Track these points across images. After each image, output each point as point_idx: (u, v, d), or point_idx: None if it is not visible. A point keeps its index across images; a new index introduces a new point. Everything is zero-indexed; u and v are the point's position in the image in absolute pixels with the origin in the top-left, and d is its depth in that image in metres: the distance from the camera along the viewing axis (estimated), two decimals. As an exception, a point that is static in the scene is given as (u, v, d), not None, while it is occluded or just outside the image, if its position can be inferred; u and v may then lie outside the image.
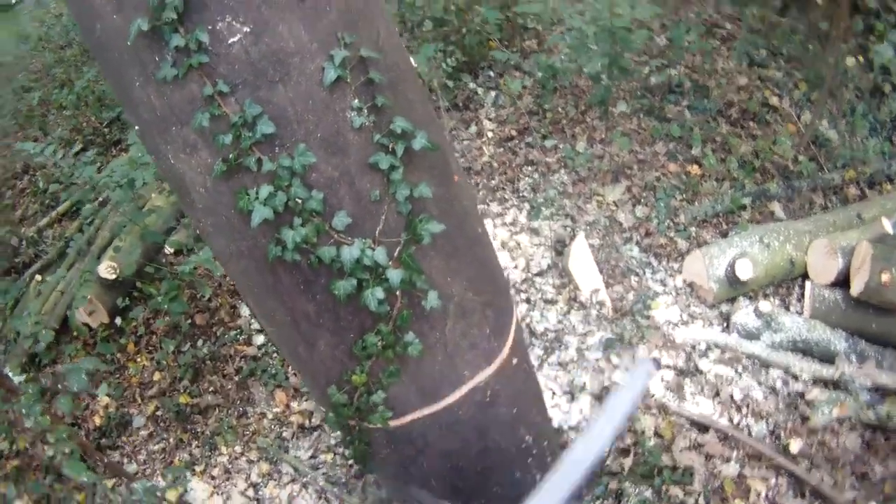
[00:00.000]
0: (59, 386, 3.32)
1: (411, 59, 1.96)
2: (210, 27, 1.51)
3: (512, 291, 4.12)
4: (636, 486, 3.31)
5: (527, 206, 4.60)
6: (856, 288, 3.74)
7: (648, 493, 3.27)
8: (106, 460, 3.64)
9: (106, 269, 4.37)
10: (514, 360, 2.29)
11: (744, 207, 4.44)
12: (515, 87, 4.98)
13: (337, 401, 2.06)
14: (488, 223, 4.53)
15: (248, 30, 1.53)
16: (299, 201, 1.67)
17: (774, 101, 5.14)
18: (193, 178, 1.74)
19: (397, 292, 1.85)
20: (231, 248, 1.85)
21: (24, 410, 3.06)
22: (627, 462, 3.36)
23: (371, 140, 1.69)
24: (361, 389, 2.00)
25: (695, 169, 4.70)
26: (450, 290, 1.97)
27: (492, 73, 5.66)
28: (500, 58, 5.35)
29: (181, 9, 1.48)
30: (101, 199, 5.18)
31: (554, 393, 3.66)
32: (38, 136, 6.59)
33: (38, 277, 4.96)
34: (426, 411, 2.13)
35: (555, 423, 3.56)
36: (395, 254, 1.80)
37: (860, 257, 3.78)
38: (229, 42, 1.53)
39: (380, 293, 1.76)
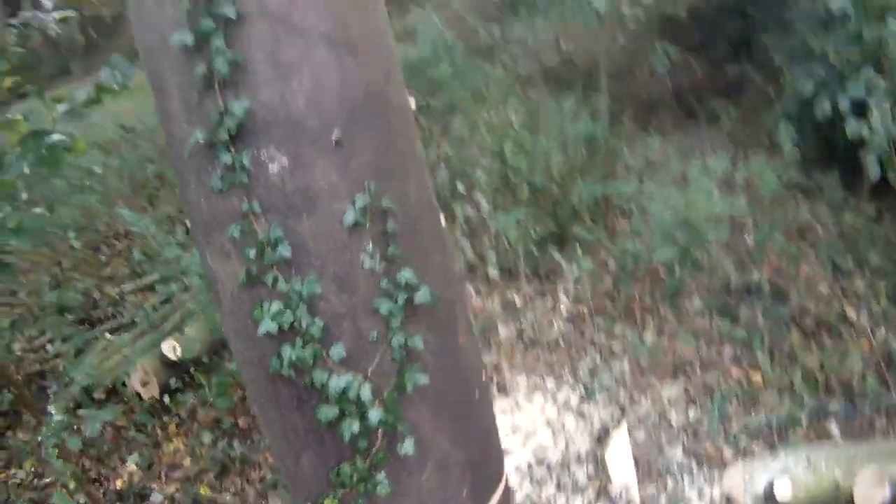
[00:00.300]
0: (76, 427, 3.73)
1: (441, 218, 2.19)
2: (255, 153, 1.76)
3: (542, 472, 4.25)
4: None
5: (581, 388, 4.75)
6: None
7: None
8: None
9: (168, 348, 4.79)
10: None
11: (799, 422, 4.42)
12: (586, 267, 5.19)
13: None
14: (539, 397, 4.70)
15: (287, 162, 1.77)
16: (303, 324, 1.86)
17: (851, 313, 5.11)
18: (224, 282, 1.97)
19: (379, 431, 1.99)
20: (245, 353, 2.06)
21: (41, 439, 3.49)
22: None
23: (378, 284, 1.87)
24: (332, 517, 2.13)
25: (757, 376, 4.73)
26: (431, 443, 2.10)
27: (579, 249, 5.90)
28: (582, 236, 5.61)
29: (233, 131, 1.73)
30: (184, 281, 5.61)
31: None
32: (146, 207, 7.24)
33: (108, 336, 5.43)
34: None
35: None
36: (383, 395, 1.95)
37: (907, 493, 3.70)
38: (269, 169, 1.78)
39: (356, 427, 1.91)
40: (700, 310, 5.24)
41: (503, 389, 4.82)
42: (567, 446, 4.39)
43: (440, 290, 2.00)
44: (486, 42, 10.31)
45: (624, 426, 4.35)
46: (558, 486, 4.18)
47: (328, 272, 1.86)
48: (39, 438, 3.85)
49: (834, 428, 4.41)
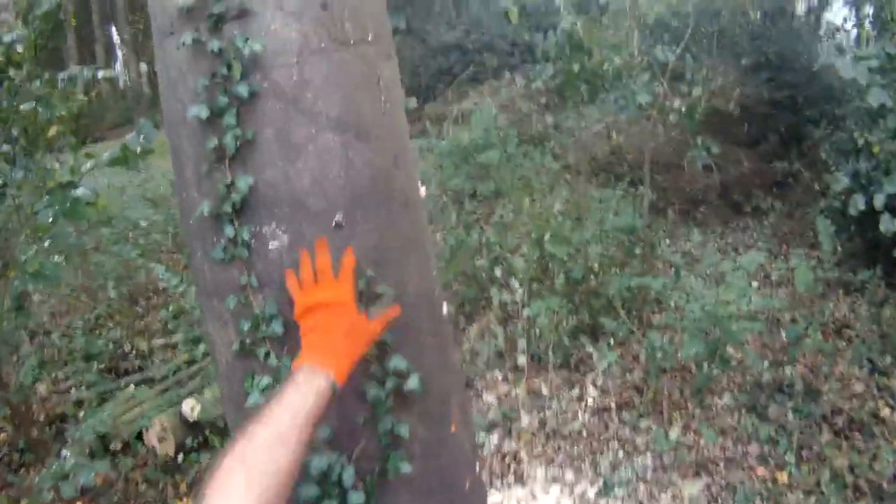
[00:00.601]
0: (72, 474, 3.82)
1: (444, 306, 2.13)
2: (257, 228, 1.77)
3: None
4: None
5: (601, 482, 4.69)
6: None
7: None
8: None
9: (188, 408, 4.88)
10: None
11: (825, 526, 4.28)
12: (612, 359, 5.17)
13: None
14: (556, 489, 4.65)
15: (287, 240, 1.76)
16: None
17: (886, 412, 4.96)
18: (220, 349, 1.96)
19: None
20: (235, 420, 2.02)
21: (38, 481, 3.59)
22: None
23: (369, 369, 1.81)
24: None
25: (783, 477, 4.60)
26: None
27: (612, 341, 5.89)
28: (610, 327, 5.60)
29: (238, 205, 1.75)
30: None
31: None
32: (186, 265, 7.35)
33: (132, 388, 5.54)
34: None
35: None
36: (365, 479, 1.90)
37: None
38: (269, 245, 1.77)
39: None
40: (729, 406, 5.15)
41: (520, 479, 4.78)
42: (581, 543, 4.33)
43: (433, 380, 1.98)
44: (537, 130, 10.52)
45: (641, 525, 4.28)
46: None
47: None
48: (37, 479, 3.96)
49: (861, 533, 4.26)
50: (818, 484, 4.52)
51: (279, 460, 1.24)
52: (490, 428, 5.24)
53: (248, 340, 1.85)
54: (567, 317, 5.70)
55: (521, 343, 5.72)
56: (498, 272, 6.34)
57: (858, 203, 5.72)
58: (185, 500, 4.74)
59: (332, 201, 1.81)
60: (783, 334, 5.78)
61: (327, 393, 1.43)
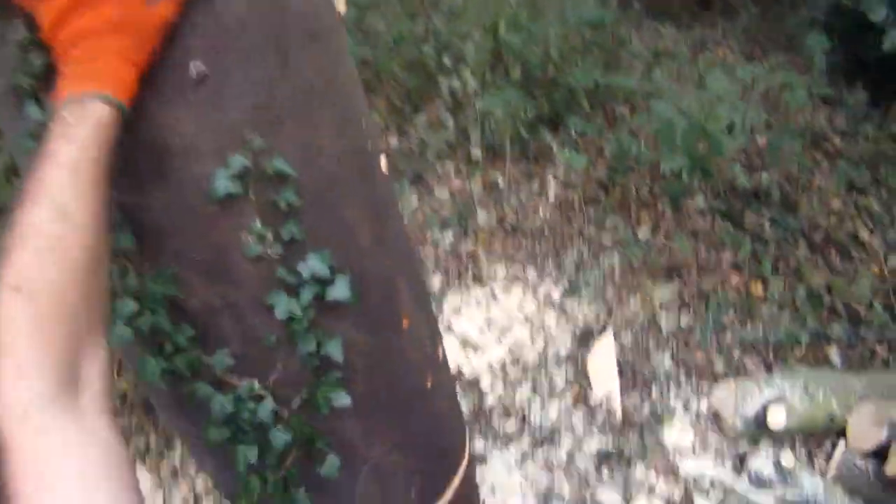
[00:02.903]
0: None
1: (384, 161, 1.48)
2: None
3: (517, 373, 3.83)
4: None
5: (566, 282, 4.29)
6: (892, 468, 3.31)
7: None
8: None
9: None
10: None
11: (798, 343, 4.03)
12: (578, 164, 4.65)
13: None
14: (518, 289, 4.24)
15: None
16: (165, 329, 1.29)
17: (865, 235, 4.69)
18: None
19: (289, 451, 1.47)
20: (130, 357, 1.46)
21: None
22: None
23: (272, 273, 1.26)
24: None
25: (757, 288, 4.31)
26: (365, 454, 1.57)
27: (574, 133, 5.36)
28: (574, 125, 5.05)
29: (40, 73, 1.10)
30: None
31: (526, 497, 3.35)
32: None
33: None
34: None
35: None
36: (290, 412, 1.41)
37: (906, 438, 3.36)
38: None
39: (253, 455, 1.38)
40: (702, 209, 4.77)
41: (479, 279, 4.34)
42: (546, 346, 3.96)
43: (371, 271, 1.41)
44: None
45: (609, 330, 3.92)
46: (534, 390, 3.77)
47: (190, 258, 1.25)
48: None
49: (834, 354, 4.04)
50: (793, 300, 4.25)
51: (64, 246, 0.88)
52: (444, 226, 4.73)
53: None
54: (526, 108, 5.09)
55: (475, 135, 5.13)
56: (447, 60, 5.62)
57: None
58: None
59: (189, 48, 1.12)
60: (758, 139, 5.37)
61: (111, 119, 0.97)
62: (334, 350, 1.33)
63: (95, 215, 0.93)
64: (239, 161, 1.16)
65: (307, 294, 1.27)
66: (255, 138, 1.17)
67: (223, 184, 1.16)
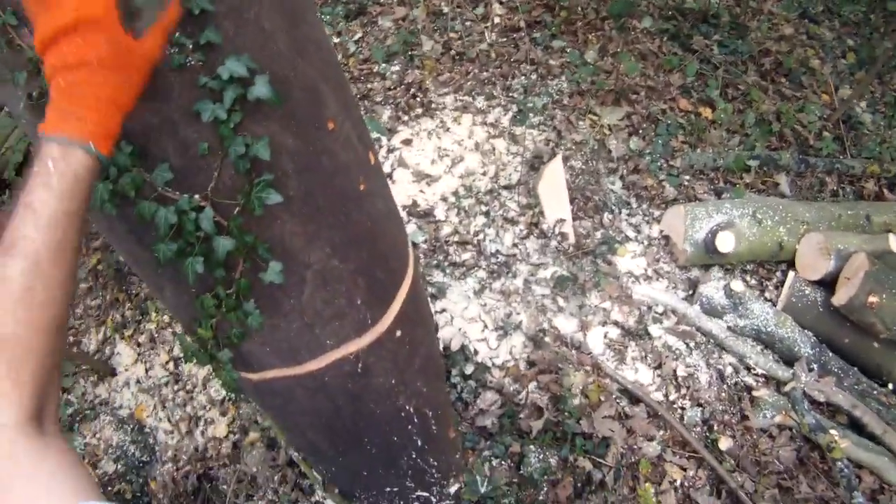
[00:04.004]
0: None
1: None
2: None
3: (470, 202, 3.67)
4: (541, 452, 2.96)
5: (514, 108, 4.08)
6: (839, 298, 3.33)
7: (553, 461, 2.92)
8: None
9: None
10: (398, 333, 1.93)
11: (747, 170, 3.96)
12: None
13: (188, 347, 1.75)
14: (468, 118, 4.02)
15: None
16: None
17: (815, 63, 4.59)
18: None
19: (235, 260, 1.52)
20: None
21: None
22: (538, 424, 2.99)
23: (196, 83, 1.24)
24: (210, 342, 1.70)
25: (707, 112, 4.19)
26: (307, 258, 1.59)
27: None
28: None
29: None
30: None
31: (486, 326, 3.26)
32: None
33: None
34: (287, 372, 1.82)
35: (479, 359, 3.18)
36: (230, 218, 1.44)
37: (853, 268, 3.36)
38: None
39: (200, 265, 1.41)
40: (649, 31, 4.56)
41: (428, 109, 4.10)
42: (497, 174, 3.79)
43: (291, 70, 1.38)
44: None
45: (559, 155, 3.76)
46: (487, 217, 3.62)
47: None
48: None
49: (784, 182, 4.00)
50: (742, 125, 4.16)
51: (37, 301, 0.96)
52: (390, 58, 4.42)
53: (35, 93, 1.28)
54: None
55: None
56: None
57: None
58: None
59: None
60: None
61: (90, 170, 1.01)
62: (262, 150, 1.35)
63: (66, 268, 0.99)
64: None
65: (229, 96, 1.27)
66: None
67: None
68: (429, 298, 3.37)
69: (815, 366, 3.34)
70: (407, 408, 2.11)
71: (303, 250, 1.57)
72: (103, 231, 1.56)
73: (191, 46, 1.20)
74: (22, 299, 0.94)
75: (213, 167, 1.34)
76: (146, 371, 3.49)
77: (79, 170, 0.98)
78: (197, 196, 1.36)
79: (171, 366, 3.49)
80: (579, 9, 4.64)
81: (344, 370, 1.84)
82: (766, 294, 3.60)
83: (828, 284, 3.49)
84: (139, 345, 3.58)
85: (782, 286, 3.58)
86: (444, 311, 3.32)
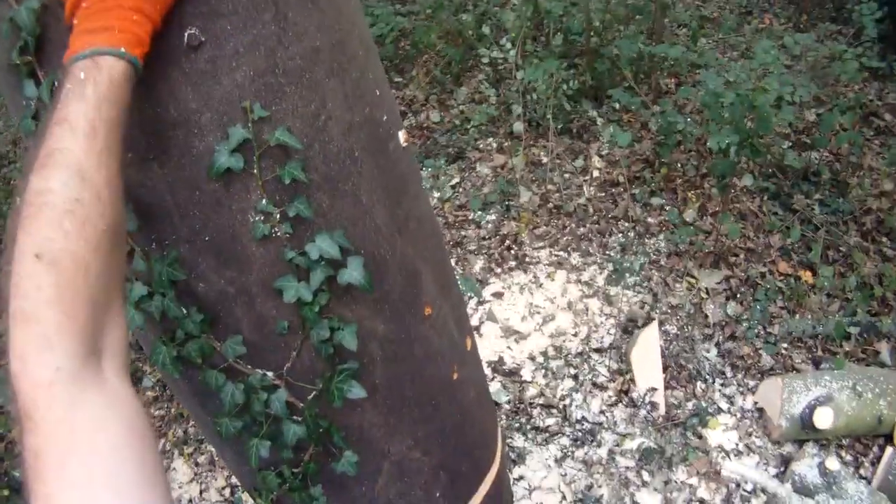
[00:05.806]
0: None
1: (402, 134, 1.37)
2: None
3: (559, 363, 3.77)
4: None
5: (610, 266, 4.21)
6: (943, 478, 3.26)
7: None
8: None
9: None
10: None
11: (847, 337, 3.93)
12: (623, 140, 4.48)
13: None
14: (562, 274, 4.16)
15: None
16: (173, 314, 1.25)
17: (919, 220, 4.55)
18: None
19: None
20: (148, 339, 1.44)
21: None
22: None
23: (280, 256, 1.20)
24: (269, 512, 1.61)
25: (807, 276, 4.20)
26: (385, 449, 1.50)
27: (617, 106, 5.21)
28: (619, 98, 4.89)
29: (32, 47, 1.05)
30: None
31: (564, 497, 3.32)
32: None
33: None
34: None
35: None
36: (307, 400, 1.36)
37: (958, 445, 3.28)
38: None
39: (266, 450, 1.34)
40: (750, 190, 4.63)
41: (522, 263, 4.28)
42: (589, 335, 3.90)
43: (389, 251, 1.33)
44: None
45: (655, 322, 3.84)
46: (575, 380, 3.72)
47: (200, 241, 1.19)
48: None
49: (884, 350, 3.94)
50: (843, 289, 4.13)
51: (84, 211, 0.84)
52: (486, 207, 4.64)
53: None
54: (568, 80, 4.93)
55: (517, 108, 4.99)
56: (486, 30, 5.45)
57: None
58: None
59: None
60: (806, 115, 5.19)
61: (124, 76, 0.92)
62: (349, 338, 1.27)
63: (113, 179, 0.89)
64: (239, 133, 1.09)
65: (317, 277, 1.20)
66: (258, 107, 1.09)
67: (223, 158, 1.09)
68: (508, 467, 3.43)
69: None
70: None
71: (382, 440, 1.48)
72: (166, 380, 1.57)
73: (277, 217, 1.14)
74: (70, 211, 0.83)
75: (291, 347, 1.27)
76: (200, 493, 3.53)
77: (113, 74, 0.90)
78: (270, 374, 1.29)
79: (226, 492, 3.52)
80: (679, 165, 4.77)
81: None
82: (861, 471, 3.53)
83: (930, 464, 3.41)
84: (197, 464, 3.62)
85: (878, 462, 3.50)
86: (521, 478, 3.40)
